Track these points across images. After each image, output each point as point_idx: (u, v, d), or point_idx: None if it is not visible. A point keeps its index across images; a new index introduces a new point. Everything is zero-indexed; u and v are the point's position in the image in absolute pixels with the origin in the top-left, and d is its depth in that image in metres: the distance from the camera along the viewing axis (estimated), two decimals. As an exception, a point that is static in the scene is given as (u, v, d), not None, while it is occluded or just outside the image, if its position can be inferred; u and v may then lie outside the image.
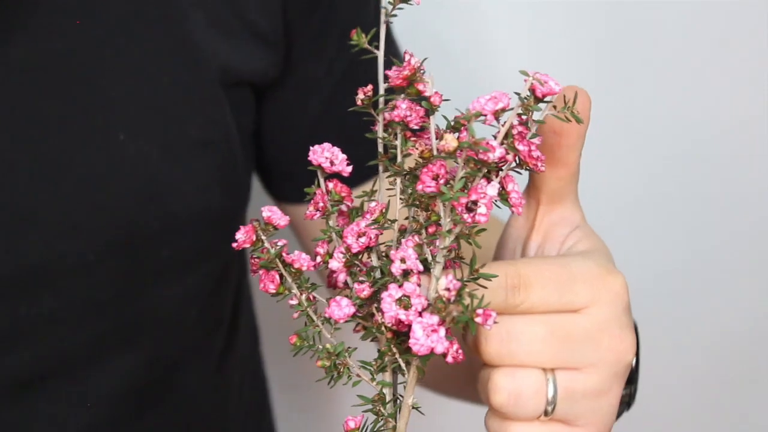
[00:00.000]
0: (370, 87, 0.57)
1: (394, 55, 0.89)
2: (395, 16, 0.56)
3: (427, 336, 0.50)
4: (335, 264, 0.55)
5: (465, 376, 0.79)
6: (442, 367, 0.79)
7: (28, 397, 0.77)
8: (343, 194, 0.56)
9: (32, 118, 0.73)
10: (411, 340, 0.50)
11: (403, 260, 0.52)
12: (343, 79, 0.86)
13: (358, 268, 0.55)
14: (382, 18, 0.56)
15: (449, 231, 0.52)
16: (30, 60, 0.73)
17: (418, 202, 0.55)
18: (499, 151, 0.50)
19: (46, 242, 0.74)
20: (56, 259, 0.74)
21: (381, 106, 0.56)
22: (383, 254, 0.55)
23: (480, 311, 0.51)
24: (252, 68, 0.81)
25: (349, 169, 0.56)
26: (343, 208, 0.57)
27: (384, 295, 0.51)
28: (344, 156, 0.56)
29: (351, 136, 0.87)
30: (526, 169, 0.54)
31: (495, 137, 0.52)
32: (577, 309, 0.57)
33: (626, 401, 0.63)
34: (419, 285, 0.52)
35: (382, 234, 0.55)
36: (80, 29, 0.74)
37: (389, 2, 0.55)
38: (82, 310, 0.76)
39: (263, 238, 0.55)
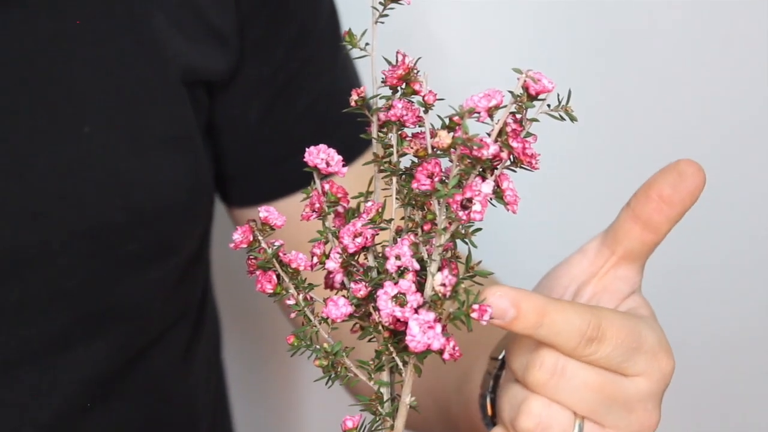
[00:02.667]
0: (363, 87, 0.57)
1: (349, 79, 0.89)
2: (387, 15, 0.56)
3: (424, 333, 0.51)
4: (332, 265, 0.55)
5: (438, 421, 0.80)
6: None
7: None
8: (340, 195, 0.56)
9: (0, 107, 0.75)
10: (407, 337, 0.51)
11: (398, 257, 0.52)
12: (288, 85, 0.87)
13: (355, 269, 0.56)
14: (373, 19, 0.56)
15: (444, 229, 0.52)
16: None
17: (413, 202, 0.55)
18: (493, 148, 0.51)
19: (12, 231, 0.76)
20: (21, 248, 0.76)
21: (375, 106, 0.57)
22: (380, 254, 0.56)
23: (476, 306, 0.51)
24: (211, 68, 0.83)
25: (345, 170, 0.56)
26: (340, 209, 0.57)
27: (380, 292, 0.52)
28: (340, 157, 0.56)
29: (292, 143, 0.88)
30: (521, 167, 0.54)
31: (489, 134, 0.53)
32: (629, 374, 0.59)
33: None
34: (414, 282, 0.52)
35: (378, 234, 0.55)
36: (49, 26, 0.76)
37: (380, 2, 0.56)
38: (49, 299, 0.78)
39: (260, 238, 0.56)
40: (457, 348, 0.52)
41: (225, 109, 0.86)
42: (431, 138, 0.54)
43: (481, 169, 0.52)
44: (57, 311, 0.79)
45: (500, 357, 0.69)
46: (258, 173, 0.89)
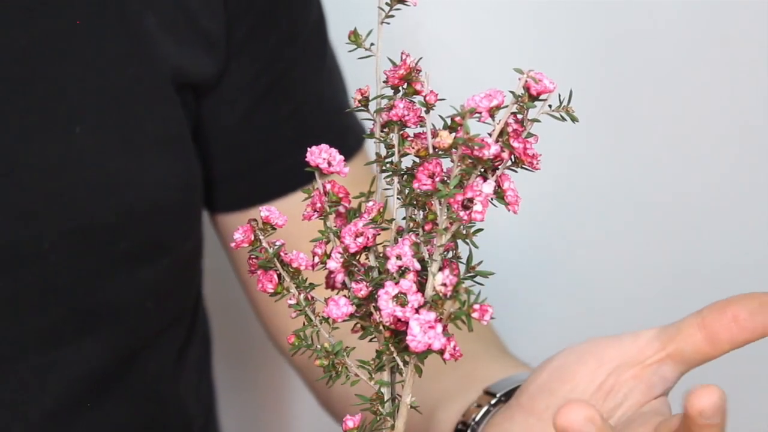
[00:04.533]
0: (367, 87, 0.57)
1: (335, 89, 0.90)
2: (392, 16, 0.56)
3: (424, 332, 0.51)
4: (333, 264, 0.55)
5: None
6: None
7: None
8: (341, 195, 0.56)
9: None
10: (408, 337, 0.51)
11: (399, 257, 0.52)
12: (271, 89, 0.86)
13: (356, 269, 0.56)
14: (379, 19, 0.56)
15: (445, 229, 0.53)
16: None
17: (415, 202, 0.55)
18: (494, 149, 0.51)
19: (2, 228, 0.76)
20: (12, 245, 0.77)
21: (378, 107, 0.57)
22: (381, 254, 0.56)
23: (476, 306, 0.51)
24: (200, 71, 0.83)
25: (347, 170, 0.56)
26: (341, 209, 0.57)
27: (381, 292, 0.52)
28: (341, 157, 0.56)
29: (273, 148, 0.88)
30: (522, 168, 0.54)
31: (490, 135, 0.53)
32: None
33: None
34: (415, 282, 0.52)
35: (379, 234, 0.55)
36: (42, 25, 0.76)
37: (386, 3, 0.56)
38: (39, 296, 0.78)
39: (261, 237, 0.56)
40: (457, 348, 0.52)
41: (209, 111, 0.86)
42: (432, 138, 0.55)
43: (482, 170, 0.52)
44: (48, 308, 0.79)
45: (498, 395, 0.68)
46: (239, 178, 0.89)
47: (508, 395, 0.69)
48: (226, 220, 0.90)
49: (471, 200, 0.51)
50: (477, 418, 0.69)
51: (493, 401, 0.69)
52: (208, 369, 0.99)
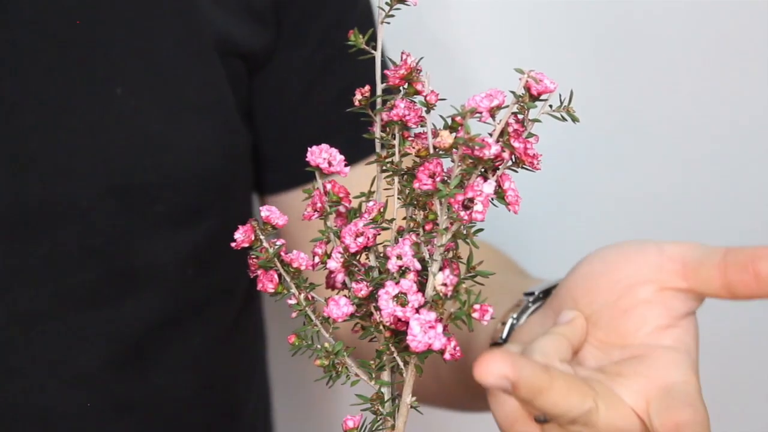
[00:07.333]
0: (367, 87, 0.57)
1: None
2: (392, 16, 0.56)
3: (425, 332, 0.51)
4: (333, 264, 0.55)
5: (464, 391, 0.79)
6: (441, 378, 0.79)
7: (25, 339, 0.79)
8: (341, 195, 0.56)
9: (37, 64, 0.77)
10: (408, 337, 0.51)
11: (399, 257, 0.52)
12: (325, 68, 0.87)
13: (357, 269, 0.56)
14: (379, 18, 0.57)
15: (446, 229, 0.53)
16: (40, 13, 0.77)
17: (415, 201, 0.55)
18: (494, 148, 0.51)
19: (42, 185, 0.77)
20: (51, 203, 0.78)
21: (378, 106, 0.57)
22: (381, 254, 0.56)
23: (477, 307, 0.51)
24: (245, 42, 0.85)
25: (347, 170, 0.56)
26: (341, 209, 0.57)
27: (381, 292, 0.52)
28: (342, 157, 0.56)
29: (326, 126, 0.88)
30: (522, 168, 0.54)
31: (491, 135, 0.53)
32: None
33: None
34: (416, 282, 0.52)
35: (380, 234, 0.55)
36: None
37: (386, 2, 0.56)
38: (78, 255, 0.79)
39: (261, 237, 0.56)
40: (457, 348, 0.52)
41: (264, 89, 0.88)
42: (433, 138, 0.55)
43: (482, 169, 0.52)
44: (86, 267, 0.80)
45: (536, 292, 0.68)
46: (291, 157, 0.90)
47: (546, 293, 0.69)
48: (277, 203, 0.91)
49: (471, 200, 0.51)
50: (516, 316, 0.68)
51: (531, 299, 0.68)
52: (263, 361, 0.99)
